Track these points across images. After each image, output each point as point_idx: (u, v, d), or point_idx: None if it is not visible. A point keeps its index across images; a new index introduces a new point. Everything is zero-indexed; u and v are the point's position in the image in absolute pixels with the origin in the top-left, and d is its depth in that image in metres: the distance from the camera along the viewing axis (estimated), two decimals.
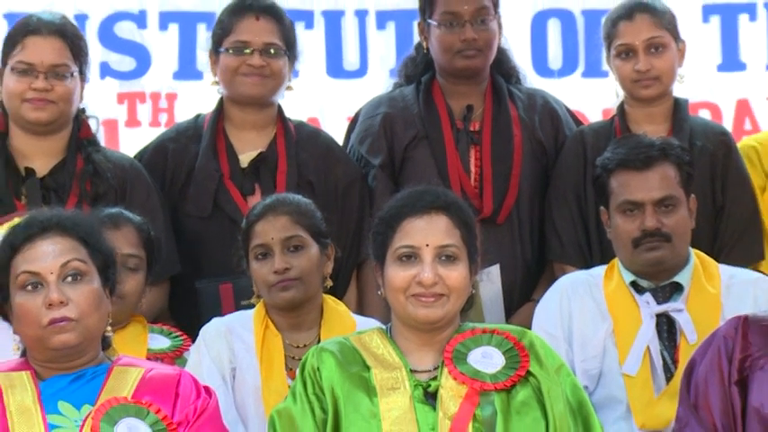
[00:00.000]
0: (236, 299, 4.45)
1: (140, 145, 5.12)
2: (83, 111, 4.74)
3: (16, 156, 4.64)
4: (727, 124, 5.95)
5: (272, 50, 4.78)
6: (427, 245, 3.63)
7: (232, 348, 4.17)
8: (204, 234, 4.74)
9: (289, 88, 4.89)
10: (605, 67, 5.09)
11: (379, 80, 5.86)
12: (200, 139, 4.83)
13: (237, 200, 4.71)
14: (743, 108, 6.21)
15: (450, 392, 3.58)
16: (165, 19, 6.17)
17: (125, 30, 6.19)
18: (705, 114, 5.57)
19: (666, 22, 4.91)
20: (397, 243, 3.67)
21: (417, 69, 5.08)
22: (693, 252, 4.37)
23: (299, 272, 4.19)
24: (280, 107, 4.88)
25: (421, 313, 3.63)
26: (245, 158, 4.79)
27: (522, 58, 5.42)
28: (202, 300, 4.62)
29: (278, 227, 4.20)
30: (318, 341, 4.05)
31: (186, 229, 4.74)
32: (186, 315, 4.62)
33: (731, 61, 6.27)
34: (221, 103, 4.87)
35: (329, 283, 4.32)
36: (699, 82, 5.69)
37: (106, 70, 6.11)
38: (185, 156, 4.81)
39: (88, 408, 3.50)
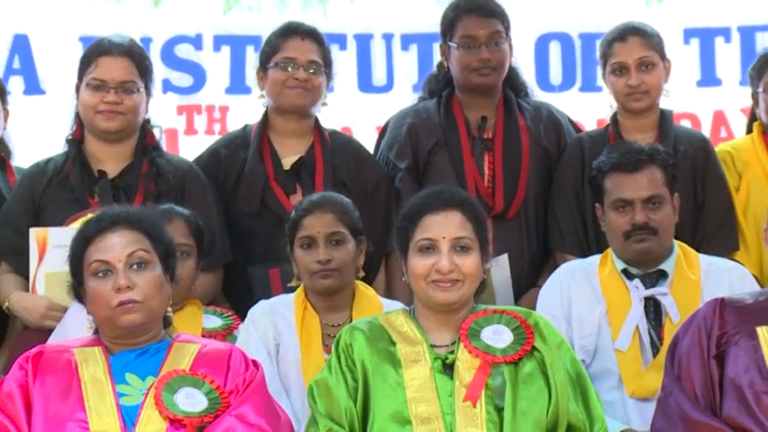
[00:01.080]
0: (284, 281, 4.44)
1: (197, 151, 5.11)
2: (147, 121, 4.73)
3: (90, 160, 4.64)
4: (706, 132, 5.91)
5: (314, 67, 4.77)
6: (444, 237, 3.63)
7: (276, 327, 4.17)
8: (254, 227, 4.73)
9: (324, 104, 4.88)
10: (600, 82, 5.06)
11: (404, 95, 5.84)
12: (248, 145, 4.81)
13: (281, 198, 4.71)
14: (719, 118, 6.19)
15: (466, 364, 3.58)
16: (219, 42, 6.17)
17: (184, 51, 6.18)
18: (686, 124, 5.55)
19: (655, 43, 4.89)
20: (418, 236, 3.67)
21: (439, 85, 5.06)
22: (677, 243, 4.36)
23: (339, 263, 4.18)
24: (317, 118, 4.86)
25: (440, 296, 3.63)
26: (287, 162, 4.77)
27: (527, 74, 5.39)
28: (255, 282, 4.63)
29: (324, 222, 4.20)
30: (351, 321, 4.05)
31: (238, 223, 4.73)
32: (240, 297, 4.60)
33: (709, 78, 6.25)
34: (266, 114, 4.86)
35: (361, 273, 4.31)
36: (681, 95, 5.65)
37: (168, 86, 6.11)
38: (235, 160, 4.80)
39: (151, 379, 3.51)
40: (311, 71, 4.77)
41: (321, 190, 4.57)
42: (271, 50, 4.82)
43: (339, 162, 4.79)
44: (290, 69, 4.75)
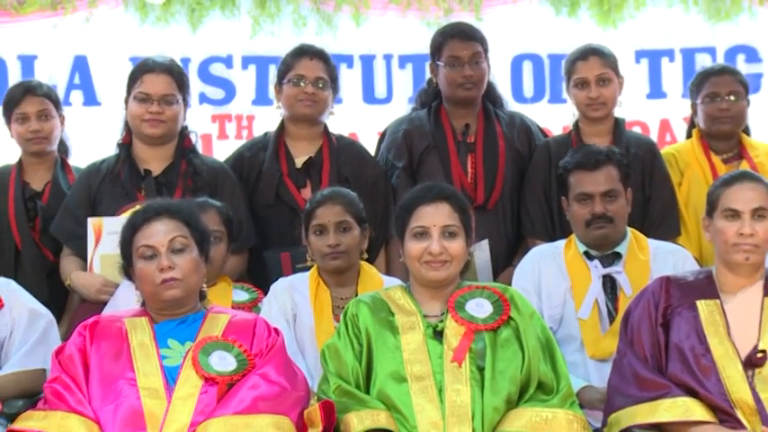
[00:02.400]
0: (293, 263, 4.44)
1: (228, 153, 5.10)
2: (185, 128, 4.71)
3: (137, 160, 4.63)
4: (653, 137, 5.93)
5: (321, 83, 4.76)
6: (435, 225, 3.63)
7: (293, 300, 4.16)
8: (270, 217, 4.71)
9: (331, 113, 4.86)
10: (564, 95, 5.04)
11: (401, 105, 5.82)
12: (266, 148, 4.81)
13: (293, 192, 4.70)
14: (664, 126, 6.19)
15: (453, 331, 3.58)
16: (246, 61, 6.16)
17: (217, 69, 6.17)
18: (637, 130, 5.53)
19: (611, 62, 4.88)
20: (412, 224, 3.67)
21: (429, 97, 5.04)
22: (629, 230, 4.34)
23: (346, 247, 4.17)
24: (326, 125, 4.85)
25: (431, 275, 3.63)
26: (299, 161, 4.76)
27: (503, 89, 5.38)
28: (269, 264, 4.61)
29: (333, 213, 4.18)
30: (356, 295, 4.04)
31: (257, 213, 4.70)
32: (256, 276, 4.59)
33: (656, 91, 6.25)
34: (282, 122, 4.84)
35: (365, 255, 4.30)
36: (632, 106, 5.62)
37: (203, 98, 6.11)
38: (256, 161, 4.80)
39: (189, 344, 3.52)
40: (319, 86, 4.75)
41: (327, 185, 4.56)
42: (285, 69, 4.81)
43: (343, 161, 4.78)
44: (301, 85, 4.74)
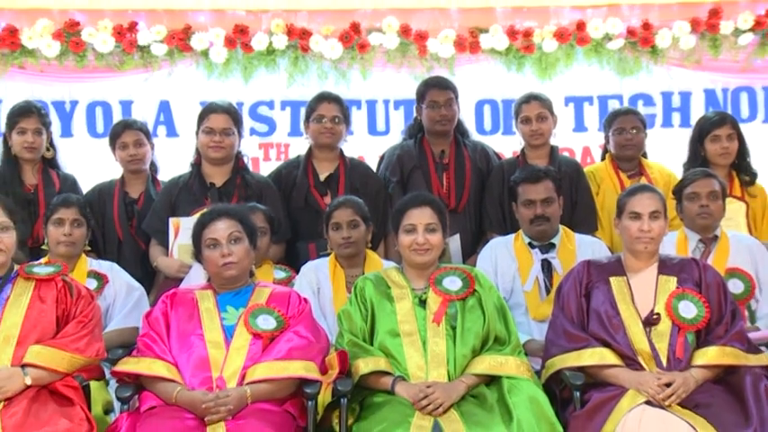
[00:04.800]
0: (318, 251, 4.40)
1: (270, 171, 5.09)
2: (240, 152, 4.69)
3: (205, 176, 4.61)
4: (578, 159, 5.90)
5: (337, 120, 4.74)
6: (420, 223, 3.64)
7: (318, 277, 4.14)
8: (300, 217, 4.68)
9: (345, 141, 4.84)
10: (514, 129, 5.03)
11: (395, 136, 5.76)
12: (298, 167, 4.79)
13: (318, 199, 4.67)
14: (586, 151, 6.17)
15: (433, 300, 3.58)
16: (284, 104, 6.11)
17: (262, 110, 6.13)
18: (566, 154, 5.50)
19: (547, 105, 4.87)
20: (404, 222, 3.67)
21: (415, 131, 5.03)
22: (561, 227, 4.33)
23: (355, 239, 4.15)
24: (341, 150, 4.82)
25: (418, 259, 3.64)
26: (322, 176, 4.73)
27: (469, 124, 5.37)
28: (300, 252, 4.58)
29: (346, 214, 4.17)
30: (363, 273, 4.01)
31: (292, 215, 4.68)
32: (291, 260, 4.55)
33: (579, 126, 6.21)
34: (310, 148, 4.81)
35: (369, 244, 4.27)
36: (563, 137, 5.64)
37: (253, 131, 6.06)
38: (291, 176, 4.77)
39: (242, 309, 3.52)
40: (335, 122, 4.72)
41: (342, 194, 4.52)
42: (310, 110, 4.78)
43: (354, 177, 4.74)
44: (322, 122, 4.71)
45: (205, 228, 3.59)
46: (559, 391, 3.51)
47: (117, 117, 5.89)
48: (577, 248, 4.24)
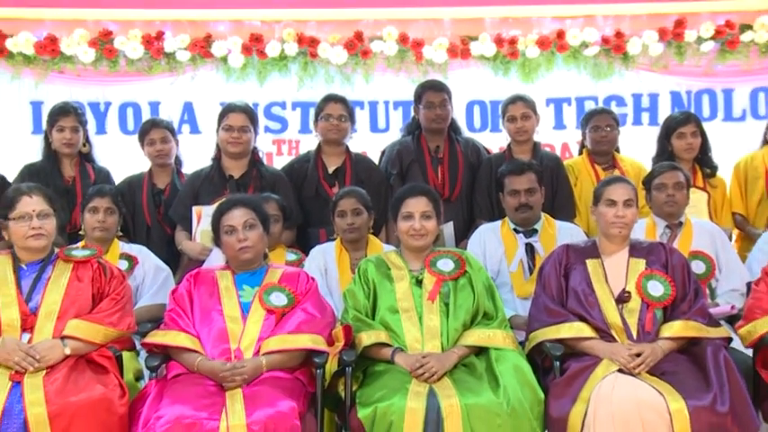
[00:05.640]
0: (327, 236, 4.40)
1: (283, 164, 5.07)
2: (255, 148, 4.67)
3: (224, 169, 4.59)
4: (558, 154, 5.86)
5: (343, 119, 4.72)
6: (417, 211, 3.61)
7: (325, 259, 4.12)
8: (311, 206, 4.65)
9: (351, 138, 4.82)
10: (501, 127, 5.01)
11: (395, 134, 5.77)
12: (309, 161, 4.76)
13: (327, 189, 4.64)
14: (565, 147, 6.15)
15: (428, 280, 3.56)
16: (295, 105, 6.10)
17: (276, 110, 6.13)
18: (547, 149, 5.46)
19: (531, 105, 4.85)
20: (402, 210, 3.64)
21: (413, 128, 5.00)
22: (543, 214, 4.32)
23: (359, 225, 4.13)
24: (347, 146, 4.79)
25: (414, 243, 3.61)
26: (330, 169, 4.71)
27: (461, 122, 5.37)
28: (311, 236, 4.57)
29: (350, 203, 4.14)
30: (366, 256, 3.98)
31: (303, 204, 4.65)
32: (303, 244, 4.52)
33: (559, 124, 6.19)
34: (319, 144, 4.79)
35: (371, 230, 4.24)
36: (544, 134, 5.64)
37: (267, 129, 6.04)
38: (302, 169, 4.75)
39: (257, 288, 3.50)
40: (342, 120, 4.70)
41: (348, 185, 4.50)
42: (319, 110, 4.76)
43: (359, 170, 4.71)
44: (329, 120, 4.69)
45: (223, 215, 3.57)
46: (541, 360, 3.49)
47: (146, 116, 5.89)
48: (557, 233, 4.23)
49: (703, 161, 4.87)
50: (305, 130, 5.98)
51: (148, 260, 4.23)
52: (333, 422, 3.48)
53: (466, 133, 5.30)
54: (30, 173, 4.67)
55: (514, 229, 4.26)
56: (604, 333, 3.44)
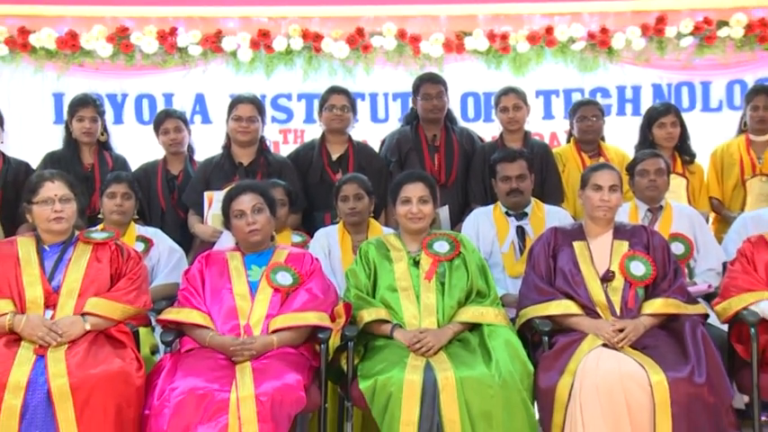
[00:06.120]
0: (331, 219, 4.36)
1: (289, 152, 5.02)
2: (263, 137, 4.64)
3: (234, 156, 4.55)
4: (547, 142, 5.81)
5: (345, 109, 4.67)
6: (414, 196, 3.59)
7: (329, 241, 4.10)
8: (316, 191, 4.61)
9: (353, 128, 4.77)
10: (494, 117, 4.97)
11: (395, 123, 5.76)
12: (313, 148, 4.72)
13: (331, 175, 4.60)
14: (553, 136, 6.11)
15: (425, 261, 3.54)
16: (300, 96, 6.05)
17: (282, 101, 6.08)
18: (537, 138, 5.38)
19: (522, 96, 4.81)
20: (401, 195, 3.62)
21: (411, 118, 4.95)
22: (533, 199, 4.30)
23: (360, 209, 4.10)
24: (350, 135, 4.75)
25: (412, 226, 3.59)
26: (334, 157, 4.67)
27: (456, 112, 5.32)
28: (317, 220, 4.54)
29: (352, 188, 4.12)
30: (367, 238, 3.97)
31: (308, 189, 4.61)
32: (308, 227, 4.49)
33: (548, 115, 6.14)
34: (323, 133, 4.75)
35: (372, 214, 4.22)
36: (534, 124, 5.61)
37: (274, 119, 6.00)
38: (307, 157, 4.71)
39: (264, 267, 3.49)
40: (344, 111, 4.65)
41: (351, 172, 4.46)
42: (322, 101, 4.71)
43: (361, 157, 4.67)
44: (333, 111, 4.65)
45: (232, 200, 3.55)
46: (531, 336, 3.49)
47: (160, 107, 5.85)
48: (546, 217, 4.20)
49: (682, 149, 4.85)
50: (309, 120, 5.95)
51: (163, 242, 4.21)
52: (336, 394, 3.48)
53: (461, 123, 5.26)
54: (52, 160, 4.65)
55: (506, 213, 4.23)
56: (590, 310, 3.43)
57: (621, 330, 3.31)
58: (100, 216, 4.26)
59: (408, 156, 4.80)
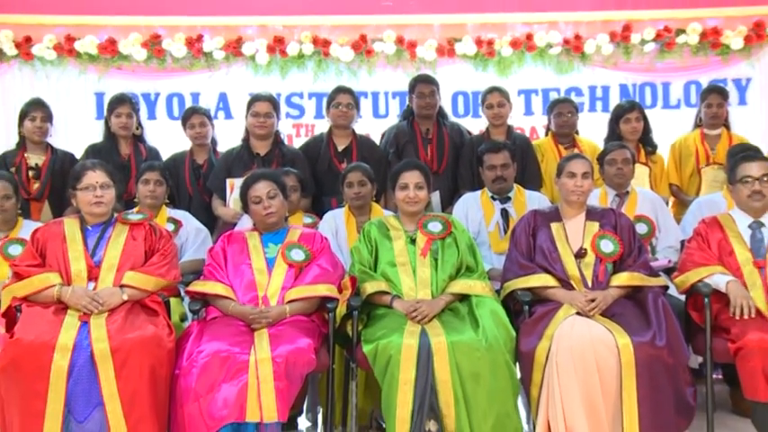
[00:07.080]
0: (338, 203, 4.30)
1: (301, 144, 4.98)
2: (278, 131, 4.59)
3: (252, 148, 4.50)
4: (527, 135, 5.76)
5: (349, 106, 4.62)
6: (411, 182, 3.56)
7: (336, 222, 4.06)
8: (324, 178, 4.57)
9: (356, 123, 4.72)
10: (481, 113, 4.93)
11: (393, 119, 5.73)
12: (322, 141, 4.68)
13: (337, 165, 4.54)
14: (533, 130, 6.07)
15: (420, 239, 3.51)
16: (311, 95, 6.01)
17: (295, 99, 6.04)
18: (519, 131, 5.33)
19: (506, 95, 4.77)
20: (399, 181, 3.59)
21: (407, 115, 4.90)
22: (515, 185, 4.26)
23: (364, 194, 4.06)
24: (353, 129, 4.70)
25: (410, 209, 3.55)
26: (340, 148, 4.63)
27: (447, 109, 5.26)
28: (325, 203, 4.48)
29: (357, 175, 4.07)
30: (369, 219, 3.92)
31: (318, 177, 4.56)
32: (318, 210, 4.44)
33: (528, 111, 6.11)
34: (331, 127, 4.69)
35: (374, 198, 4.19)
36: (516, 119, 5.56)
37: (288, 115, 5.98)
38: (316, 148, 4.66)
39: (280, 245, 3.45)
40: (349, 108, 4.60)
41: (355, 161, 4.41)
42: (330, 99, 4.66)
43: (363, 149, 4.62)
44: (339, 108, 4.59)
45: (249, 188, 3.51)
46: (513, 305, 3.46)
47: (188, 105, 5.82)
48: (527, 201, 4.16)
49: (645, 141, 4.82)
50: (319, 116, 5.92)
51: (190, 223, 4.18)
52: (342, 356, 3.47)
53: (451, 118, 5.20)
54: (93, 151, 4.62)
55: (492, 197, 4.19)
56: (565, 283, 3.40)
57: (593, 300, 3.28)
58: (135, 200, 4.23)
59: (405, 147, 4.75)
